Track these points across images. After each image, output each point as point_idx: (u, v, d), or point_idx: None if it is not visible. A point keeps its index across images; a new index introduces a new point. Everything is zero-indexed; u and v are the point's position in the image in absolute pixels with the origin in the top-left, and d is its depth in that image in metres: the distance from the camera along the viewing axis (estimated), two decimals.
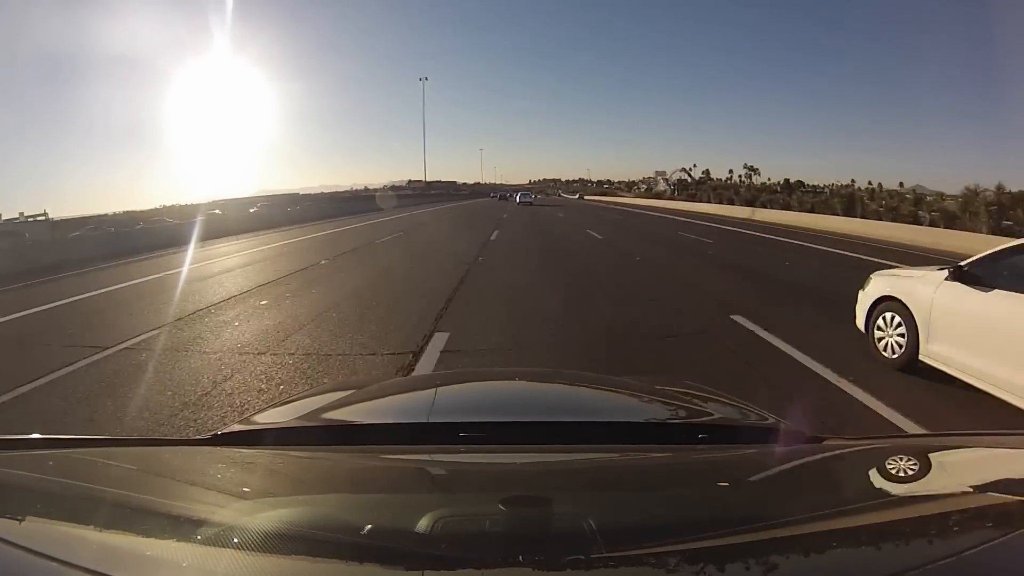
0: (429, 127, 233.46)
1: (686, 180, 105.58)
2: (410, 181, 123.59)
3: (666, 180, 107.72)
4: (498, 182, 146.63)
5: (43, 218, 24.94)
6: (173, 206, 39.27)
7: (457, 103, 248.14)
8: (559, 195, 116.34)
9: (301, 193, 60.83)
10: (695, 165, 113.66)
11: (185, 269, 10.59)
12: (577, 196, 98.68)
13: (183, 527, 0.73)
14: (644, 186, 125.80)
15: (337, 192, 72.33)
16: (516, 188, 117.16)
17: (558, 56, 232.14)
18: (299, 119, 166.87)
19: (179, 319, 6.36)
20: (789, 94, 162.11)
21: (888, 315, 4.32)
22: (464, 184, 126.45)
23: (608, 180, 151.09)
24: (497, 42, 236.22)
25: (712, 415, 1.33)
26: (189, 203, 39.17)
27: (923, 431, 3.05)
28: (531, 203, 50.89)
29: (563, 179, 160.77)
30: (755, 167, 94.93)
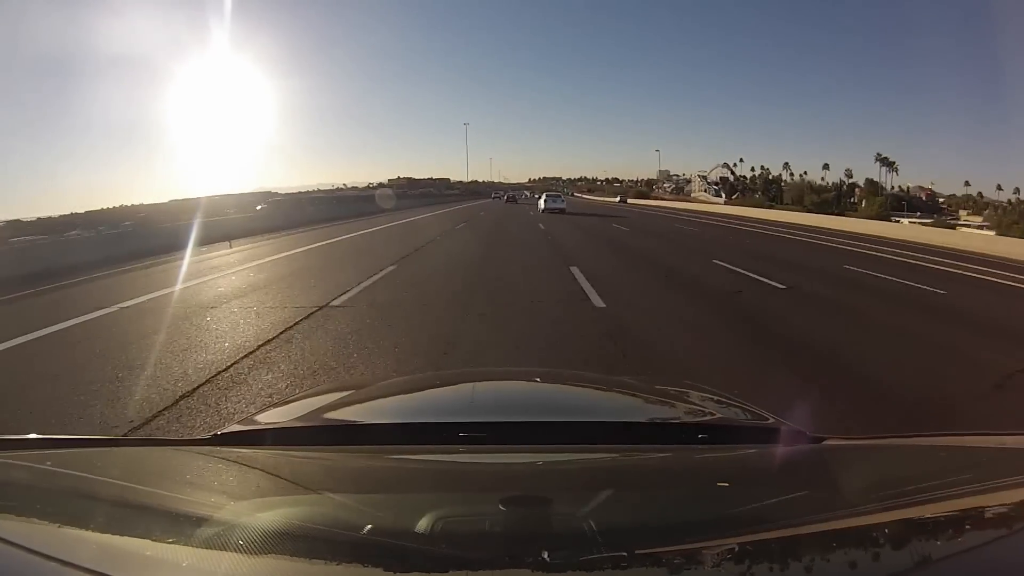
0: (419, 121, 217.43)
1: (729, 178, 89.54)
2: (399, 177, 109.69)
3: (703, 177, 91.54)
4: (496, 180, 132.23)
5: None
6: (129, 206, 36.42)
7: (451, 97, 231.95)
8: (571, 195, 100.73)
9: (275, 192, 55.89)
10: (742, 159, 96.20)
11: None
12: (619, 199, 76.74)
13: (183, 527, 0.73)
14: (670, 185, 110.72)
15: (327, 192, 67.81)
16: (517, 187, 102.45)
17: (558, 47, 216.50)
18: (279, 118, 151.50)
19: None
20: (811, 87, 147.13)
21: None
22: (459, 182, 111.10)
23: (616, 178, 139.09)
24: (492, 32, 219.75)
25: (712, 415, 1.34)
26: (153, 202, 36.54)
27: (923, 432, 2.64)
28: (564, 210, 32.48)
29: (564, 177, 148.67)
30: (891, 159, 72.99)
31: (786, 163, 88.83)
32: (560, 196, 38.44)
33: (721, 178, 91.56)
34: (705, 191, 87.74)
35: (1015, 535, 0.69)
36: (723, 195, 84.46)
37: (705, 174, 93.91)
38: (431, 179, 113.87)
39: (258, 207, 24.92)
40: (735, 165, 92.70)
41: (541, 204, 34.47)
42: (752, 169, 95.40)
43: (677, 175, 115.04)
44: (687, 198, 79.82)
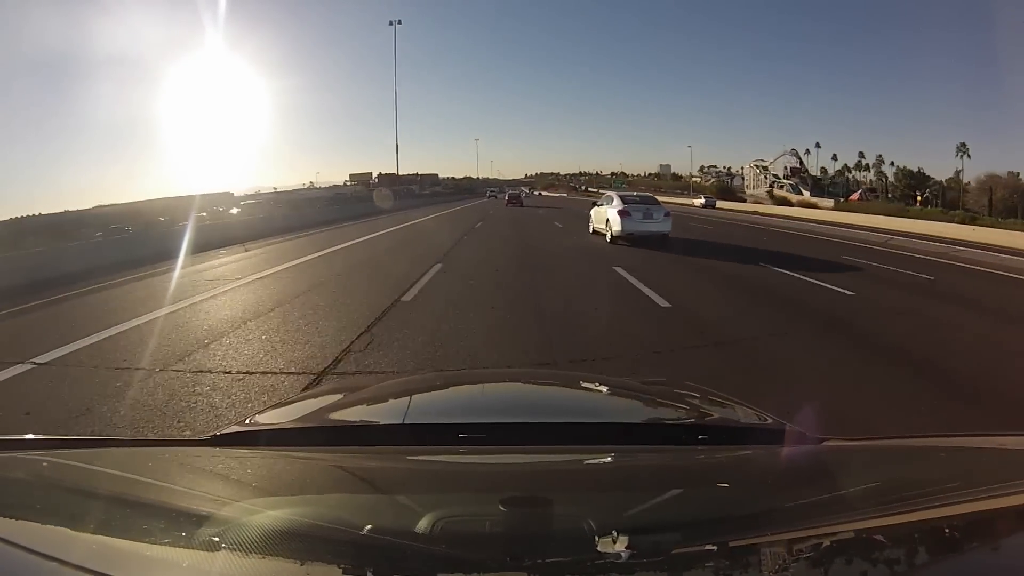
0: (397, 113, 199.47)
1: (799, 170, 72.19)
2: (381, 174, 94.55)
3: (764, 168, 74.01)
4: (487, 176, 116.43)
5: None
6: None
7: (435, 87, 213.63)
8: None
9: (231, 193, 52.85)
10: (819, 145, 76.04)
11: None
12: (703, 201, 49.75)
13: (182, 527, 0.73)
14: (706, 179, 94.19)
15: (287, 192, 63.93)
16: (514, 184, 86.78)
17: (551, 39, 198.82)
18: (250, 117, 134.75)
19: None
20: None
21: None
22: (450, 178, 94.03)
23: (622, 172, 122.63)
24: (477, 11, 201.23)
25: (712, 416, 1.34)
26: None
27: (923, 433, 2.88)
28: (667, 236, 13.66)
29: (563, 173, 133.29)
30: None
31: (961, 144, 60.20)
32: (657, 202, 15.15)
33: (791, 169, 73.27)
34: (775, 187, 69.86)
35: (1016, 536, 0.69)
36: (805, 192, 66.28)
37: (766, 164, 75.96)
38: (415, 175, 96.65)
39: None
40: (806, 153, 73.76)
41: (614, 220, 13.92)
42: (834, 158, 76.07)
43: (713, 166, 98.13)
44: (766, 200, 60.12)
